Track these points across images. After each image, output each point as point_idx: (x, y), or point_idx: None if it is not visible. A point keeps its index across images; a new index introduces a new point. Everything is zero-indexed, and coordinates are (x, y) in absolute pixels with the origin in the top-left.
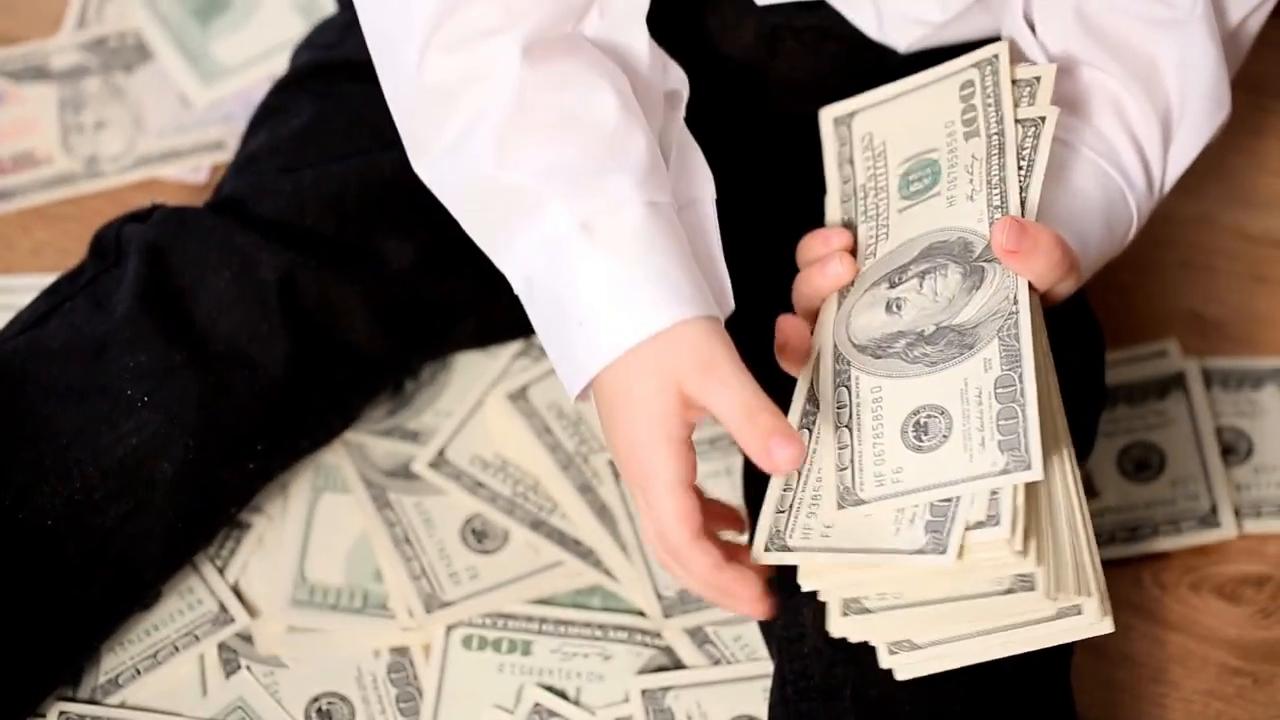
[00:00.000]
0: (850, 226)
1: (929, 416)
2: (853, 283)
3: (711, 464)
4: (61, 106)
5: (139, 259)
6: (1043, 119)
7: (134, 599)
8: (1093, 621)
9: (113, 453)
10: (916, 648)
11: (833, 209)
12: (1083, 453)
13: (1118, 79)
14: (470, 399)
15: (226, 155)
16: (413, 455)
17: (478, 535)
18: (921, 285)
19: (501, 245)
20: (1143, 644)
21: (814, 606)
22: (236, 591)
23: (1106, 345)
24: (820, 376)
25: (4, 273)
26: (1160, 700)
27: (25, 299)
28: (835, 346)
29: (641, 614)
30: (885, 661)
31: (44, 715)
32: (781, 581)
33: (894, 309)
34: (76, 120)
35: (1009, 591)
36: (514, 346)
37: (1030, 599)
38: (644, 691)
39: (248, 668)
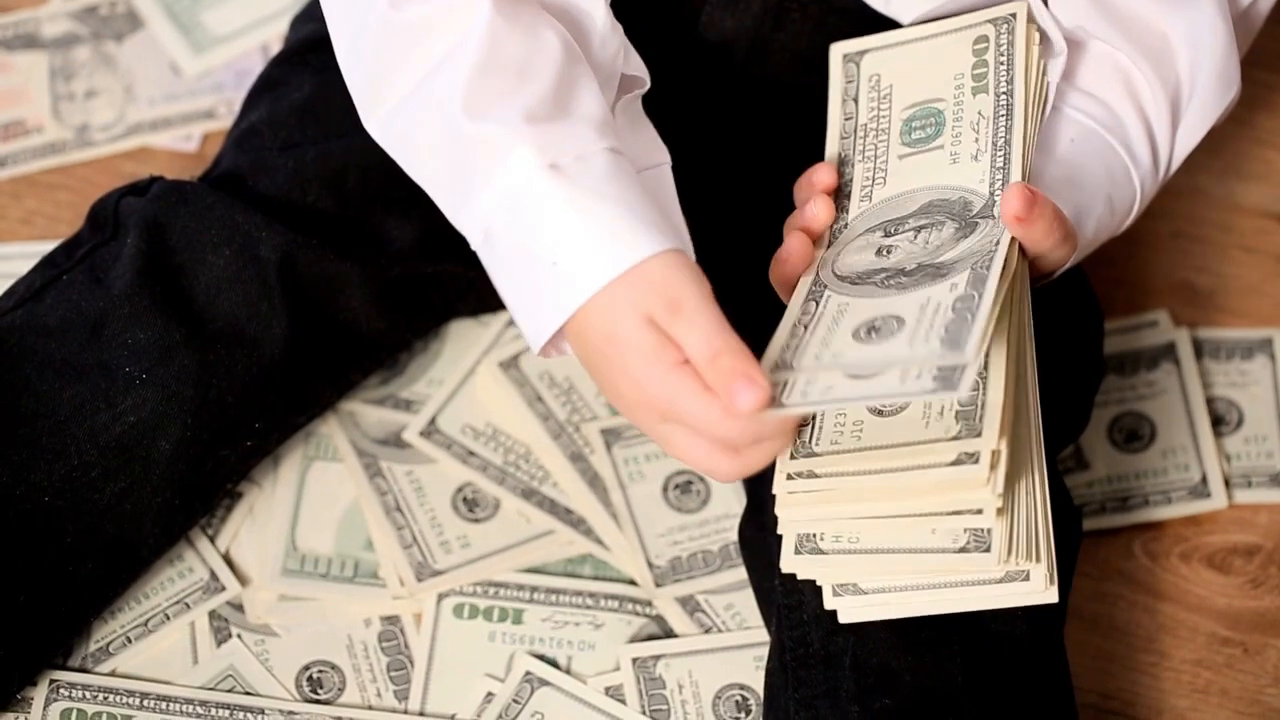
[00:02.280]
0: (846, 163)
1: (884, 322)
2: (846, 224)
3: None
4: (52, 75)
5: (138, 234)
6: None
7: (130, 575)
8: (1038, 589)
9: (110, 430)
10: (861, 592)
11: (832, 143)
12: (1078, 426)
13: (1128, 56)
14: (462, 368)
15: (217, 124)
16: (404, 424)
17: (469, 504)
18: (916, 238)
19: (460, 198)
20: (1133, 614)
21: None
22: (227, 560)
23: None
24: (794, 296)
25: None
26: (1150, 670)
27: (16, 266)
28: (817, 273)
29: (633, 583)
30: (830, 603)
31: (35, 684)
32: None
33: (884, 253)
34: (67, 89)
35: (963, 550)
36: (506, 315)
37: (981, 559)
38: (635, 660)
39: (238, 636)
